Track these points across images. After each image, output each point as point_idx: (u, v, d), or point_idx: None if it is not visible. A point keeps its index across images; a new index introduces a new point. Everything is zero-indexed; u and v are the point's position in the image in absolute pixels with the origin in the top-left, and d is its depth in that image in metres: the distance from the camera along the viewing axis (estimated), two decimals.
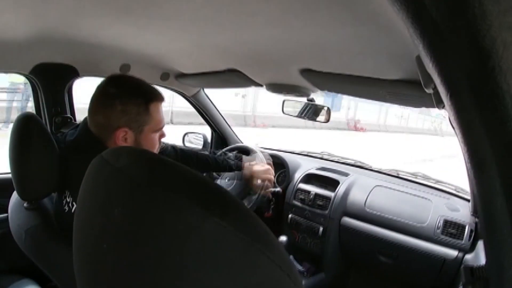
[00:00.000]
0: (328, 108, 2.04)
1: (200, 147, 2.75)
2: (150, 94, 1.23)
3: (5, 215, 1.38)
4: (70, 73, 1.78)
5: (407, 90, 1.22)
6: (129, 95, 1.19)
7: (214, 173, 2.43)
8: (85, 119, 1.25)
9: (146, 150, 0.47)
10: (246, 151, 2.44)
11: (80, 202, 0.47)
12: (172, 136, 1.46)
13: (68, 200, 1.17)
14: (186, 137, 2.80)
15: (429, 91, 0.88)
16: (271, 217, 2.34)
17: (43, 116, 1.79)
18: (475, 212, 1.80)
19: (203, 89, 2.52)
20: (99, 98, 1.19)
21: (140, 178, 0.39)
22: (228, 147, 2.56)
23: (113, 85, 1.19)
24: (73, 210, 1.13)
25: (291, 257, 2.34)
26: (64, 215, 1.18)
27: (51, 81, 1.75)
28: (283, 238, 2.20)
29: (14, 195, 1.31)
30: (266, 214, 2.33)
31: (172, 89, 2.38)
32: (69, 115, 1.83)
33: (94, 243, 0.41)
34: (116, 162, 0.42)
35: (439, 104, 0.98)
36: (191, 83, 2.24)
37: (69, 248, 0.47)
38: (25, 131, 1.16)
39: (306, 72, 1.45)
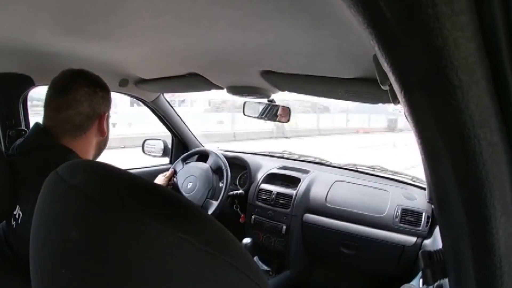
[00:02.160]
0: (288, 108, 2.07)
1: (161, 153, 2.72)
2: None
3: None
4: (25, 83, 1.71)
5: (365, 88, 1.27)
6: (101, 83, 1.25)
7: (174, 179, 2.41)
8: (36, 124, 1.18)
9: (101, 163, 0.45)
10: (207, 155, 2.43)
11: (36, 223, 0.43)
12: None
13: (15, 212, 1.06)
14: (145, 144, 2.76)
15: (385, 88, 0.92)
16: (245, 222, 2.36)
17: None
18: (431, 200, 1.88)
19: (162, 94, 2.49)
20: (79, 89, 1.16)
21: (95, 195, 0.37)
22: (189, 152, 2.54)
23: (83, 78, 1.20)
24: (19, 221, 1.04)
25: (256, 257, 2.36)
26: (14, 234, 1.07)
27: (5, 92, 1.67)
28: (247, 240, 2.21)
29: None
30: (240, 219, 2.35)
31: (130, 96, 2.33)
32: (23, 127, 1.75)
33: (52, 268, 0.39)
34: (71, 179, 0.40)
35: (395, 100, 1.02)
36: (151, 88, 2.21)
37: (25, 279, 0.44)
38: None
39: (267, 74, 1.47)
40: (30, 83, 1.72)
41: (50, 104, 1.16)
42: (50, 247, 0.40)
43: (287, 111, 2.07)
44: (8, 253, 1.07)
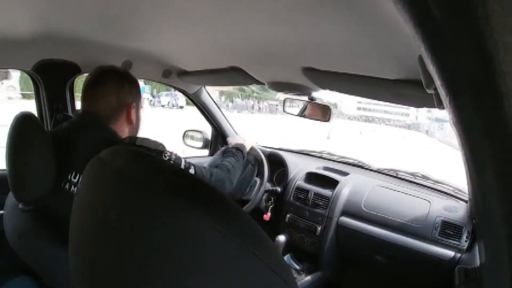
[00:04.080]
0: (329, 107, 2.04)
1: (201, 144, 2.76)
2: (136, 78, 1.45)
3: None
4: (72, 70, 1.79)
5: (409, 90, 1.22)
6: (129, 78, 1.39)
7: None
8: (78, 111, 1.34)
9: (142, 150, 0.47)
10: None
11: (78, 205, 0.46)
12: None
13: (74, 180, 1.21)
14: (186, 135, 2.81)
15: (431, 91, 0.88)
16: (270, 219, 2.35)
17: (44, 114, 1.80)
18: (472, 214, 1.80)
19: (204, 87, 2.52)
20: (107, 83, 1.31)
21: (138, 179, 0.38)
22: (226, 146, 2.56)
23: (112, 73, 1.35)
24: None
25: (288, 255, 2.35)
26: (69, 201, 1.15)
27: (53, 78, 1.76)
28: (281, 238, 2.21)
29: (10, 195, 1.29)
30: (265, 216, 2.34)
31: (173, 87, 2.39)
32: (70, 113, 1.83)
33: (91, 246, 0.41)
34: (113, 163, 0.42)
35: (440, 104, 0.97)
36: (193, 80, 2.25)
37: (65, 250, 0.46)
38: (21, 131, 1.17)
39: (309, 71, 1.45)
40: (77, 71, 1.80)
41: (86, 94, 1.32)
42: (90, 226, 0.42)
43: (327, 111, 2.03)
44: (51, 223, 1.19)
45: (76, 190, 0.45)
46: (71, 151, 1.24)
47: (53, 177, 1.19)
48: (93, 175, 0.44)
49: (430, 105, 1.21)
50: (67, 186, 1.21)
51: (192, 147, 2.81)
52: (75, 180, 1.21)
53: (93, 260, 0.40)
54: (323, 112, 2.03)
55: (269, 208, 2.35)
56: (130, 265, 0.36)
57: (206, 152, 2.83)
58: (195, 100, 2.56)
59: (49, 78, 1.76)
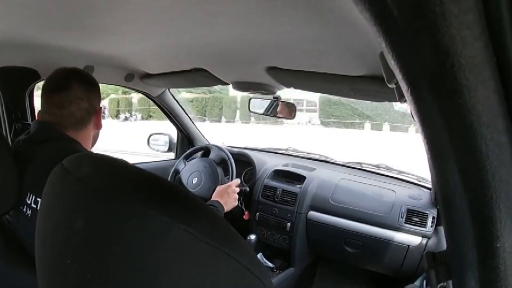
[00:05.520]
0: (293, 105, 2.07)
1: (166, 148, 2.73)
2: None
3: None
4: (31, 77, 1.72)
5: (371, 86, 1.26)
6: (94, 81, 1.32)
7: (179, 175, 2.40)
8: (36, 121, 1.24)
9: (108, 157, 0.45)
10: (210, 150, 2.43)
11: (41, 214, 0.44)
12: None
13: (28, 201, 1.10)
14: (151, 139, 2.77)
15: (392, 86, 0.92)
16: (249, 218, 2.35)
17: (3, 123, 1.71)
18: (436, 200, 1.87)
19: (168, 89, 2.49)
20: (76, 88, 1.22)
21: (102, 188, 0.38)
22: (192, 148, 2.55)
23: (78, 75, 1.27)
24: (38, 208, 1.04)
25: (260, 254, 2.36)
26: (27, 224, 1.09)
27: (11, 85, 1.69)
28: (252, 237, 2.22)
29: None
30: (244, 216, 2.34)
31: (136, 90, 2.34)
32: (30, 121, 1.75)
33: (58, 258, 0.39)
34: (77, 171, 0.40)
35: (401, 98, 1.01)
36: (157, 83, 2.22)
37: (31, 272, 0.45)
38: None
39: (272, 70, 1.47)
40: (36, 77, 1.73)
41: (51, 100, 1.22)
42: (56, 238, 0.40)
43: (292, 108, 2.06)
44: (14, 243, 1.10)
45: (39, 204, 0.42)
46: (28, 169, 1.13)
47: (15, 196, 1.10)
48: (57, 185, 0.43)
49: (391, 99, 1.26)
50: (24, 209, 1.11)
51: (158, 150, 2.78)
52: (30, 201, 1.09)
53: (63, 273, 0.39)
54: (289, 110, 2.06)
55: (243, 206, 2.34)
56: (101, 274, 0.36)
57: (172, 155, 2.81)
58: (159, 103, 2.53)
59: (8, 85, 1.68)
